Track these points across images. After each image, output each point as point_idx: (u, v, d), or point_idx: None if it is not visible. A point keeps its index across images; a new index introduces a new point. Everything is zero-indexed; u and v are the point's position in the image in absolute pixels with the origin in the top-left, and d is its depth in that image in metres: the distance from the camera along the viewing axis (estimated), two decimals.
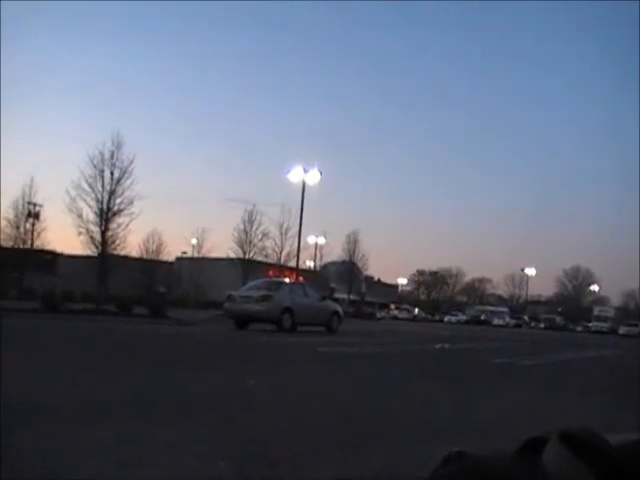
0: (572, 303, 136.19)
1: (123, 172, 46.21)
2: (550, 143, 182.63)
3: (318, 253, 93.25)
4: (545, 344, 33.01)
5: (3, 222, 66.92)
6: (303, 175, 54.65)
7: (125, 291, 51.09)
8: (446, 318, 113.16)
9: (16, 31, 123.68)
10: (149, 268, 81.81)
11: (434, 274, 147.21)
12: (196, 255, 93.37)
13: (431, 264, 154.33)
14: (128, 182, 46.17)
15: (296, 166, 55.57)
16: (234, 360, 13.09)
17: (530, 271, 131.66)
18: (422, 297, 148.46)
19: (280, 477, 3.73)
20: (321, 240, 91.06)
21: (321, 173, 56.34)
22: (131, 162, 46.64)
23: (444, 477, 0.97)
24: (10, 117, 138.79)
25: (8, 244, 67.45)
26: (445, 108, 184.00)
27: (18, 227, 67.74)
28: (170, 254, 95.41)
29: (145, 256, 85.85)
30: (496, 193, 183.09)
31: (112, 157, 46.18)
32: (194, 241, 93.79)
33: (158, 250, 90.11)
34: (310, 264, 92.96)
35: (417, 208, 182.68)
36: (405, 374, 11.78)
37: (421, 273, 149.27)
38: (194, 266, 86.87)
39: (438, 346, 22.66)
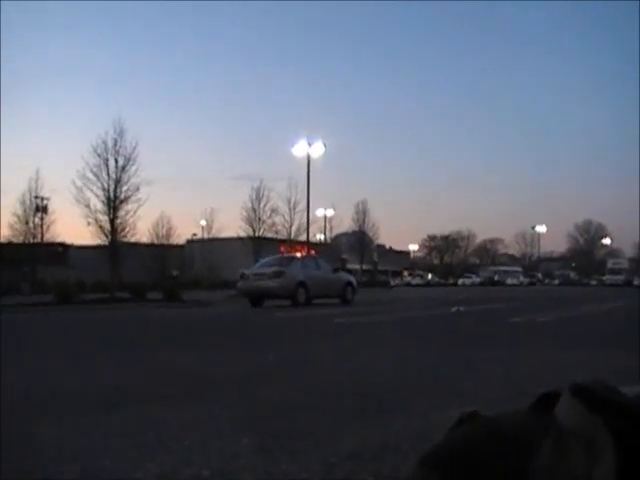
0: (585, 257, 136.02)
1: (127, 159, 46.22)
2: (557, 98, 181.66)
3: (328, 225, 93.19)
4: (560, 300, 33.00)
5: (13, 218, 67.24)
6: (307, 148, 54.55)
7: (138, 277, 51.25)
8: (460, 281, 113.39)
9: (16, 22, 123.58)
10: (160, 253, 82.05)
11: (445, 238, 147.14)
12: (206, 236, 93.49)
13: (442, 228, 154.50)
14: (133, 169, 46.19)
15: (300, 140, 55.48)
16: (251, 337, 13.09)
17: (541, 228, 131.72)
18: (435, 262, 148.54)
19: (303, 451, 3.71)
20: (330, 212, 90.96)
21: (325, 145, 56.23)
22: (134, 148, 46.64)
23: (458, 437, 0.95)
24: (10, 112, 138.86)
25: (18, 240, 67.74)
26: (453, 73, 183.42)
27: (27, 222, 67.97)
28: (180, 237, 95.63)
29: (155, 241, 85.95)
30: (502, 151, 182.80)
31: (115, 145, 46.21)
32: (203, 222, 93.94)
33: (168, 234, 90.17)
34: (320, 237, 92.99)
35: (424, 173, 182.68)
36: (422, 339, 11.77)
37: (432, 238, 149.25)
38: (205, 247, 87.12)
39: (454, 309, 22.65)
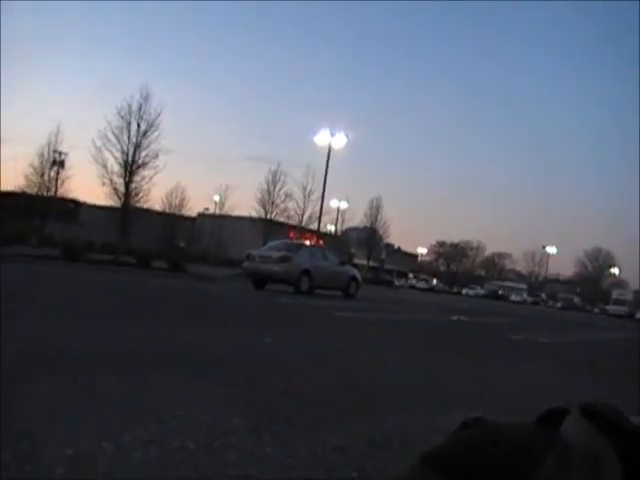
0: (591, 284, 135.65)
1: (150, 125, 46.46)
2: (576, 120, 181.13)
3: (340, 217, 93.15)
4: (562, 323, 32.94)
5: (29, 169, 67.38)
6: (330, 138, 54.47)
7: (146, 244, 51.37)
8: (464, 291, 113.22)
9: None
10: (171, 222, 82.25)
11: (454, 246, 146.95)
12: (218, 212, 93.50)
13: (452, 236, 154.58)
14: (154, 135, 46.39)
15: (323, 129, 55.41)
16: (251, 319, 13.10)
17: (551, 249, 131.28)
18: (441, 268, 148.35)
19: (291, 436, 3.72)
20: (344, 205, 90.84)
21: (347, 137, 56.13)
22: (158, 115, 46.83)
23: (462, 441, 0.94)
24: (39, 63, 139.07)
25: (32, 191, 67.96)
26: (476, 79, 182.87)
27: (43, 174, 68.18)
28: (192, 210, 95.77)
29: (167, 210, 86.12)
30: (523, 168, 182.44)
31: (140, 109, 46.37)
32: (217, 198, 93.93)
33: (180, 205, 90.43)
34: (331, 228, 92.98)
35: (442, 178, 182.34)
36: (420, 344, 11.76)
37: (441, 244, 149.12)
38: (215, 223, 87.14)
39: (454, 318, 22.65)
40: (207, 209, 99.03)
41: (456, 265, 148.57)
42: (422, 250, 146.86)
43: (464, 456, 0.90)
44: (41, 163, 68.00)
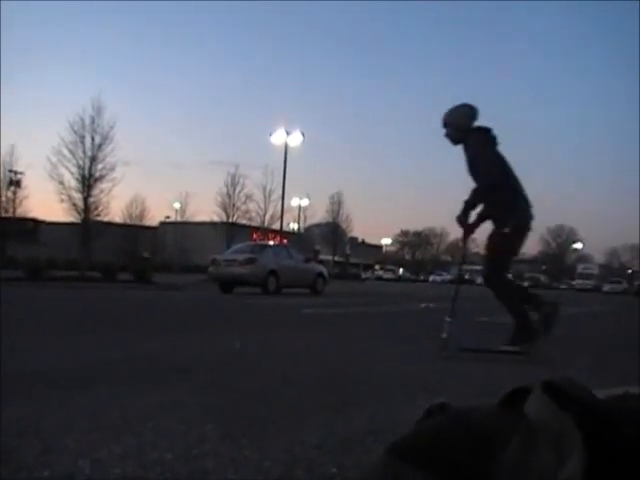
0: (556, 261, 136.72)
1: (104, 138, 46.24)
2: (537, 87, 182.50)
3: (302, 215, 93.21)
4: None
5: None
6: (286, 137, 54.45)
7: (109, 257, 51.05)
8: (431, 278, 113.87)
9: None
10: (133, 234, 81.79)
11: (418, 234, 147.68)
12: (180, 220, 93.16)
13: (415, 224, 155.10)
14: (109, 148, 46.12)
15: (279, 128, 55.38)
16: (219, 323, 13.08)
17: None
18: (407, 257, 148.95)
19: (267, 438, 3.72)
20: (305, 202, 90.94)
21: (303, 135, 56.16)
22: (112, 127, 46.52)
23: (427, 429, 0.95)
24: None
25: None
26: (429, 65, 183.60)
27: None
28: (154, 219, 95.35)
29: (129, 222, 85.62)
30: None
31: (93, 122, 46.08)
32: (177, 205, 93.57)
33: (141, 216, 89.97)
34: (294, 226, 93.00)
35: (400, 168, 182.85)
36: (389, 333, 11.79)
37: (405, 233, 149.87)
38: (178, 231, 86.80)
39: (423, 305, 22.73)
40: (168, 217, 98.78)
41: (421, 253, 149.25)
42: (386, 241, 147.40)
43: (429, 445, 0.91)
44: None
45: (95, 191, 45.79)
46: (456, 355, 7.46)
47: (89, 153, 45.58)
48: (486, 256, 8.01)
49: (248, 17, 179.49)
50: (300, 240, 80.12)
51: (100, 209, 47.09)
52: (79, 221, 46.60)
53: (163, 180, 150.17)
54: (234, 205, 73.92)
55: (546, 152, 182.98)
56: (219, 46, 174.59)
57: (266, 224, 73.09)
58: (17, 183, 67.64)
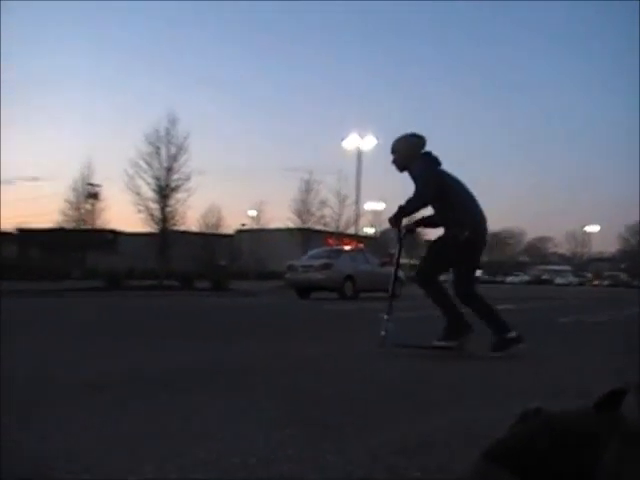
0: (636, 259, 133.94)
1: (179, 148, 46.66)
2: (616, 99, 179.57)
3: (377, 219, 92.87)
4: (610, 301, 32.57)
5: (65, 205, 68.09)
6: (359, 141, 54.36)
7: (186, 266, 51.58)
8: (508, 279, 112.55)
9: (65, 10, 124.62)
10: (209, 242, 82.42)
11: (495, 235, 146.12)
12: (255, 227, 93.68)
13: (492, 225, 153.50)
14: (184, 158, 46.60)
15: (351, 133, 55.32)
16: (298, 328, 13.08)
17: (592, 228, 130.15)
18: (484, 258, 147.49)
19: (348, 441, 3.70)
20: (380, 206, 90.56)
21: (377, 138, 55.97)
22: (186, 138, 47.00)
23: (522, 433, 0.92)
24: (65, 101, 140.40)
25: (70, 225, 68.61)
26: (508, 71, 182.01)
27: (79, 208, 68.80)
28: (230, 227, 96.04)
29: (205, 231, 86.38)
30: (556, 149, 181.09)
31: (167, 134, 46.60)
32: (252, 213, 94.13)
33: (217, 224, 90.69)
34: (369, 231, 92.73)
35: (477, 168, 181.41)
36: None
37: None
38: (253, 238, 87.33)
39: (501, 307, 22.49)
40: (244, 225, 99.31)
41: (499, 254, 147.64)
42: None
43: (526, 449, 0.88)
44: (76, 197, 68.71)
45: (171, 201, 46.30)
46: (392, 350, 7.98)
47: (165, 164, 46.14)
48: (424, 256, 8.68)
49: (321, 22, 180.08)
50: (376, 244, 79.92)
51: (177, 219, 47.56)
52: (156, 231, 47.13)
53: (238, 188, 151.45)
54: (309, 211, 73.96)
55: (624, 146, 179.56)
56: (291, 52, 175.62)
57: (341, 229, 72.96)
58: (95, 195, 68.73)
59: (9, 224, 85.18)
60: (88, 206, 68.97)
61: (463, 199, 8.23)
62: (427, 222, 8.91)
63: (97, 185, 68.30)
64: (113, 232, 75.06)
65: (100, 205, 69.93)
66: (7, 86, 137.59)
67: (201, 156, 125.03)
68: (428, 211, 8.68)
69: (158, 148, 46.36)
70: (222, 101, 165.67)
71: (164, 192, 45.80)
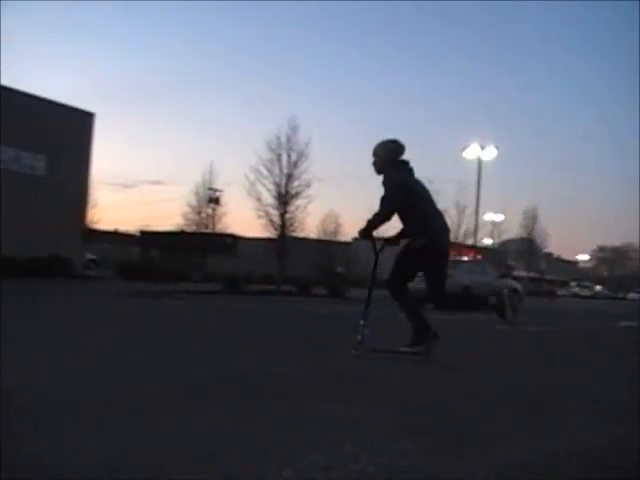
0: None
1: (300, 155, 46.85)
2: None
3: (496, 230, 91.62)
4: None
5: (187, 209, 69.60)
6: (479, 152, 53.81)
7: (304, 272, 51.81)
8: (630, 295, 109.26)
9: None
10: (327, 249, 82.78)
11: (616, 249, 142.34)
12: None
13: (613, 239, 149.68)
14: (305, 165, 46.80)
15: (472, 143, 54.78)
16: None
17: None
18: (605, 274, 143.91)
19: (467, 455, 3.67)
20: (499, 217, 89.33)
21: (497, 149, 55.29)
22: (307, 145, 47.23)
23: None
24: (192, 107, 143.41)
25: (191, 229, 70.08)
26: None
27: (200, 212, 70.13)
28: (347, 235, 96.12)
29: (323, 237, 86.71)
30: None
31: (288, 141, 46.88)
32: None
33: (335, 231, 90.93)
34: (488, 242, 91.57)
35: (597, 182, 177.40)
36: (590, 352, 11.43)
37: (602, 249, 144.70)
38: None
39: (622, 324, 21.93)
40: None
41: (620, 269, 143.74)
42: (583, 257, 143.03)
43: None
44: (197, 202, 70.06)
45: (291, 208, 46.52)
46: (367, 355, 8.14)
47: (285, 170, 46.40)
48: (392, 267, 9.17)
49: (435, 30, 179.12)
50: (494, 256, 78.91)
51: (296, 225, 47.80)
52: (275, 237, 47.48)
53: (356, 195, 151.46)
54: None
55: None
56: (413, 61, 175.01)
57: (459, 239, 72.30)
58: (216, 200, 69.79)
59: (132, 227, 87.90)
60: (209, 210, 70.17)
61: (425, 209, 8.62)
62: (403, 234, 9.29)
63: (218, 190, 69.43)
64: (233, 236, 76.08)
65: (221, 210, 71.06)
66: (133, 90, 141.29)
67: (321, 163, 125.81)
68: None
69: (279, 155, 46.72)
70: (341, 109, 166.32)
71: (284, 199, 46.07)
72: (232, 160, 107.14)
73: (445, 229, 8.87)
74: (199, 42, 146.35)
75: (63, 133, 45.22)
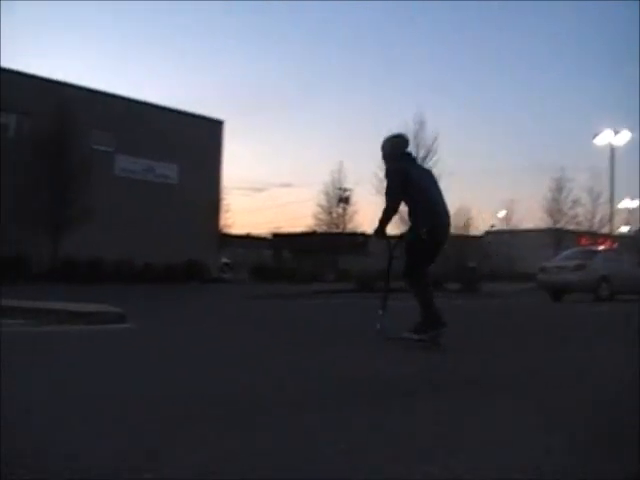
0: None
1: (428, 151, 46.62)
2: None
3: (632, 217, 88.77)
4: None
5: (317, 209, 70.17)
6: (612, 137, 52.27)
7: (436, 268, 51.42)
8: None
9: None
10: (459, 243, 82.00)
11: None
12: (505, 228, 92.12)
13: None
14: (433, 160, 46.53)
15: (604, 129, 53.28)
16: (562, 332, 12.58)
17: None
18: None
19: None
20: (634, 204, 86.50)
21: (631, 133, 53.56)
22: (435, 139, 46.97)
23: None
24: (315, 108, 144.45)
25: (322, 229, 70.61)
26: None
27: (330, 212, 70.53)
28: (478, 229, 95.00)
29: (454, 232, 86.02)
30: None
31: (416, 136, 46.70)
32: (502, 213, 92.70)
33: (467, 225, 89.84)
34: (625, 229, 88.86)
35: None
36: None
37: None
38: (503, 239, 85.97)
39: None
40: (493, 226, 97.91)
41: None
42: None
43: None
44: (328, 202, 70.48)
45: None
46: (385, 342, 8.69)
47: None
48: (405, 257, 9.20)
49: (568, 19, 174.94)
50: (633, 244, 76.59)
51: None
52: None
53: (487, 189, 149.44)
54: (560, 210, 71.79)
55: None
56: (534, 47, 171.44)
57: (595, 228, 70.42)
58: (346, 200, 70.10)
59: (264, 230, 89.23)
60: (339, 210, 70.50)
61: (425, 199, 8.91)
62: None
63: (348, 189, 69.72)
64: (364, 235, 76.30)
65: (351, 209, 71.31)
66: (259, 94, 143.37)
67: (450, 157, 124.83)
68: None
69: None
70: (468, 102, 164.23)
71: None
72: (360, 159, 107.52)
73: (447, 216, 9.28)
74: (322, 41, 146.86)
75: (194, 141, 46.30)
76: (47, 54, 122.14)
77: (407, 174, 8.83)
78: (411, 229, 9.10)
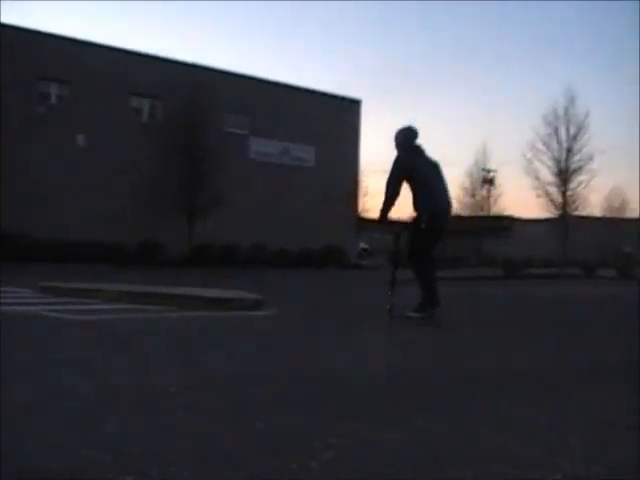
0: None
1: (579, 128, 44.43)
2: None
3: None
4: None
5: (460, 191, 68.29)
6: None
7: (588, 253, 48.99)
8: None
9: None
10: (613, 227, 78.21)
11: None
12: None
13: None
14: (585, 137, 44.29)
15: None
16: None
17: None
18: None
19: None
20: None
21: None
22: (587, 116, 44.70)
23: None
24: (455, 88, 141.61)
25: (465, 212, 68.71)
26: None
27: (474, 195, 68.82)
28: (635, 211, 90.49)
29: (607, 215, 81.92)
30: None
31: (566, 113, 44.62)
32: None
33: (622, 207, 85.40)
34: None
35: None
36: None
37: None
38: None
39: None
40: None
41: None
42: None
43: None
44: (471, 184, 68.80)
45: (572, 184, 44.05)
46: (393, 320, 9.25)
47: (564, 145, 44.05)
48: (409, 243, 9.81)
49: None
50: None
51: (577, 203, 45.25)
52: (556, 216, 45.14)
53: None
54: None
55: None
56: None
57: None
58: (491, 181, 68.43)
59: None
60: (484, 192, 68.76)
61: (429, 188, 9.55)
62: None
63: (493, 170, 67.77)
64: (510, 218, 73.86)
65: (496, 191, 69.39)
66: (396, 73, 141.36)
67: (601, 134, 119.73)
68: None
69: (556, 128, 44.38)
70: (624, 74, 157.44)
71: (564, 175, 43.65)
72: (505, 139, 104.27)
73: (446, 204, 9.81)
74: (466, 20, 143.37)
75: (330, 122, 45.01)
76: (183, 36, 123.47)
77: (411, 168, 9.52)
78: (416, 217, 9.61)
